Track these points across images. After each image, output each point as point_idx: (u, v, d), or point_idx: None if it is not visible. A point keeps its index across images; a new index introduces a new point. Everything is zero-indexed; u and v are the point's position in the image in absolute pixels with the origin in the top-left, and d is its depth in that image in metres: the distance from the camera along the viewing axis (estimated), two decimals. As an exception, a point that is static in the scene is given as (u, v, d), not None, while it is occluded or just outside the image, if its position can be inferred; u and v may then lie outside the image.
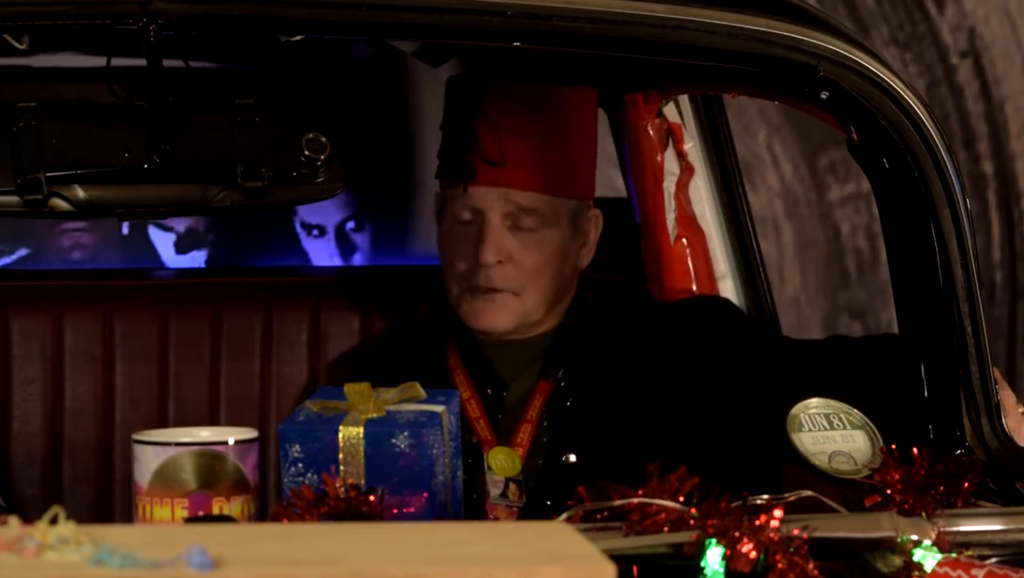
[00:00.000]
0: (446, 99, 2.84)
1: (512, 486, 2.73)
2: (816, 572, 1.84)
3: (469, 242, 2.73)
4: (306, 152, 2.35)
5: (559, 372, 2.75)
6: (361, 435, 2.12)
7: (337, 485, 1.96)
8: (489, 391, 2.77)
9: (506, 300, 2.73)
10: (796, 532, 1.85)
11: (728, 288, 3.05)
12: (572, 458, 2.71)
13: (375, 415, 2.15)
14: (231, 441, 2.09)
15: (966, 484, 2.04)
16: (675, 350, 2.75)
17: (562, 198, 2.75)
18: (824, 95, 2.19)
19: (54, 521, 1.45)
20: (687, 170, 3.03)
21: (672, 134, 3.02)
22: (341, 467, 2.11)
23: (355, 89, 3.50)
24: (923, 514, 1.99)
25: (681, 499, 1.88)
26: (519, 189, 2.71)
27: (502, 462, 2.72)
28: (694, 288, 3.02)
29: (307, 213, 3.55)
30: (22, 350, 3.12)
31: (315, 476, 2.10)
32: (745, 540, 1.82)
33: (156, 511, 2.06)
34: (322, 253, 3.57)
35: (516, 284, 2.72)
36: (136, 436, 2.12)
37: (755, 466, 2.58)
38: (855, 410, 2.17)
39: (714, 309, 2.85)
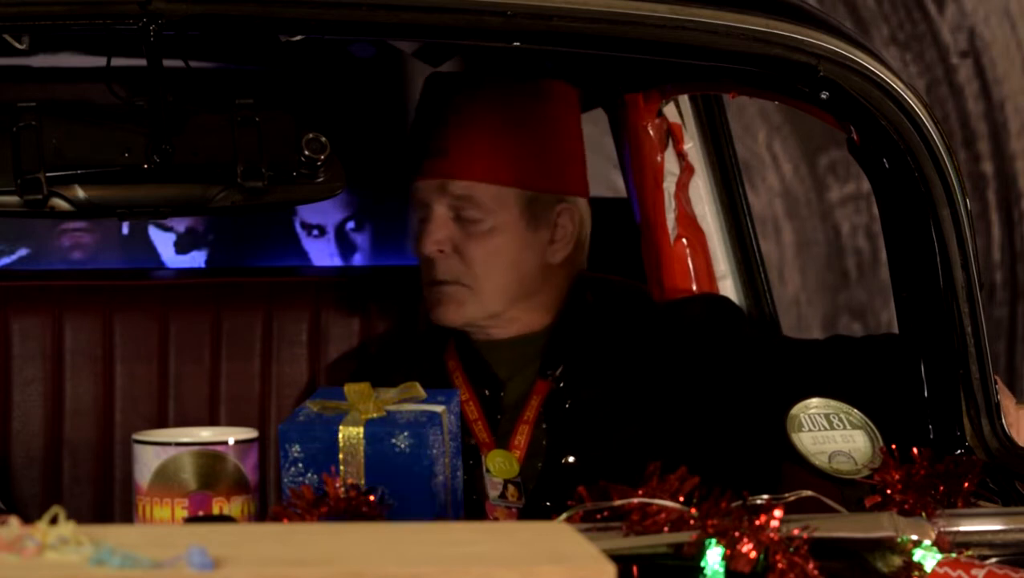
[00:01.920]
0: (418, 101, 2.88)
1: (511, 488, 2.73)
2: (816, 572, 1.84)
3: (420, 237, 2.77)
4: (306, 152, 2.35)
5: (556, 372, 2.75)
6: (361, 435, 2.12)
7: (337, 485, 1.96)
8: (486, 392, 2.77)
9: (456, 292, 2.74)
10: (796, 532, 1.85)
11: (728, 288, 3.05)
12: (571, 460, 2.71)
13: (375, 415, 2.15)
14: (231, 441, 2.09)
15: (966, 484, 2.04)
16: (674, 350, 2.75)
17: (509, 188, 2.75)
18: (824, 95, 2.19)
19: (54, 521, 1.45)
20: (687, 170, 3.03)
21: (672, 134, 3.02)
22: (341, 467, 2.11)
23: (355, 89, 3.50)
24: (923, 514, 1.99)
25: (681, 499, 1.88)
26: (454, 178, 2.74)
27: (500, 465, 2.72)
28: (694, 288, 3.02)
29: (307, 213, 3.55)
30: (22, 350, 3.12)
31: (315, 476, 2.10)
32: (745, 540, 1.82)
33: (156, 511, 2.06)
34: (322, 253, 3.56)
35: (465, 276, 2.74)
36: (136, 436, 2.12)
37: (755, 466, 2.58)
38: (855, 410, 2.17)
39: (713, 308, 2.85)
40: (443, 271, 2.74)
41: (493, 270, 2.74)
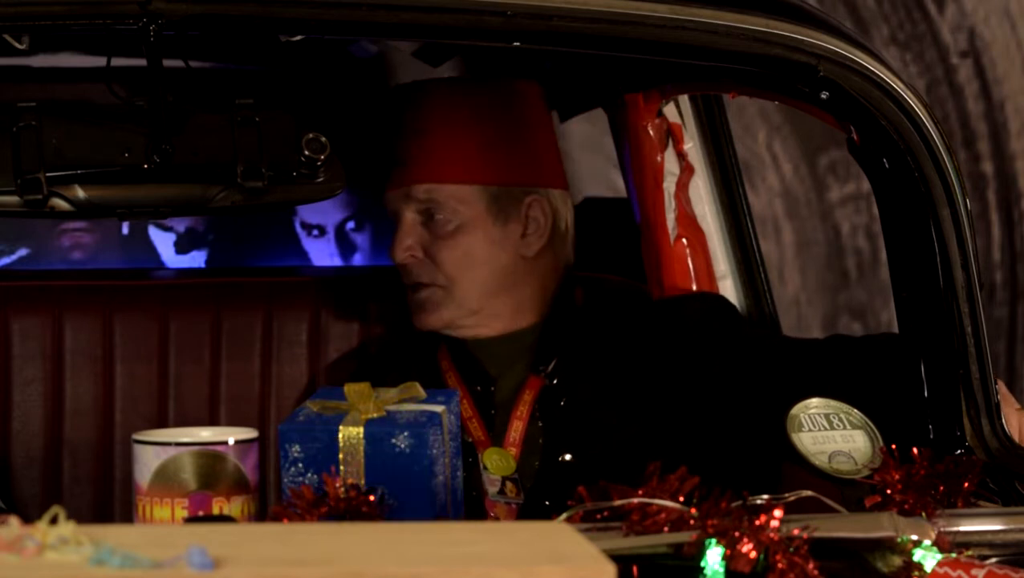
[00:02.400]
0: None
1: (509, 484, 2.73)
2: (816, 572, 1.83)
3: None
4: (306, 152, 2.35)
5: (548, 367, 2.76)
6: (361, 435, 2.12)
7: (337, 485, 1.96)
8: (478, 388, 2.78)
9: (432, 295, 2.78)
10: (796, 532, 1.85)
11: (728, 288, 3.05)
12: (568, 457, 2.72)
13: (375, 415, 2.15)
14: (231, 441, 2.09)
15: (966, 484, 2.04)
16: (671, 348, 2.75)
17: (471, 185, 2.77)
18: (824, 95, 2.19)
19: (54, 521, 1.45)
20: (687, 170, 3.03)
21: (672, 134, 3.02)
22: (341, 467, 2.11)
23: (355, 89, 3.50)
24: (923, 514, 1.99)
25: (681, 499, 1.88)
26: (416, 184, 2.79)
27: (496, 462, 2.73)
28: (694, 288, 3.02)
29: (307, 213, 3.55)
30: (22, 350, 3.12)
31: (315, 476, 2.10)
32: (745, 540, 1.82)
33: (156, 511, 2.06)
34: (322, 253, 3.56)
35: (438, 277, 2.77)
36: (136, 436, 2.12)
37: (755, 466, 2.58)
38: (855, 410, 2.17)
39: (709, 306, 2.85)
40: (417, 275, 2.79)
41: (465, 269, 2.77)
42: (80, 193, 2.31)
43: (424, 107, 2.83)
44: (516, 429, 2.73)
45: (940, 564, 1.92)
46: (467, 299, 2.77)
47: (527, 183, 2.81)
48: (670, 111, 3.02)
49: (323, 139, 2.36)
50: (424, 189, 2.78)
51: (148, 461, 2.07)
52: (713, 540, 1.83)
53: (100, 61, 2.53)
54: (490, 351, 2.80)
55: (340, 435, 2.12)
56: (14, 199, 2.29)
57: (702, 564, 1.82)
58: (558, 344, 2.78)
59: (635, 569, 1.85)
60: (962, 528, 2.01)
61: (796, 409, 2.16)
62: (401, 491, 2.10)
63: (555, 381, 2.75)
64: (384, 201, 2.85)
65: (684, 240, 3.03)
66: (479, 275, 2.77)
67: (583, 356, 2.77)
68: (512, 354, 2.79)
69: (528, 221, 2.80)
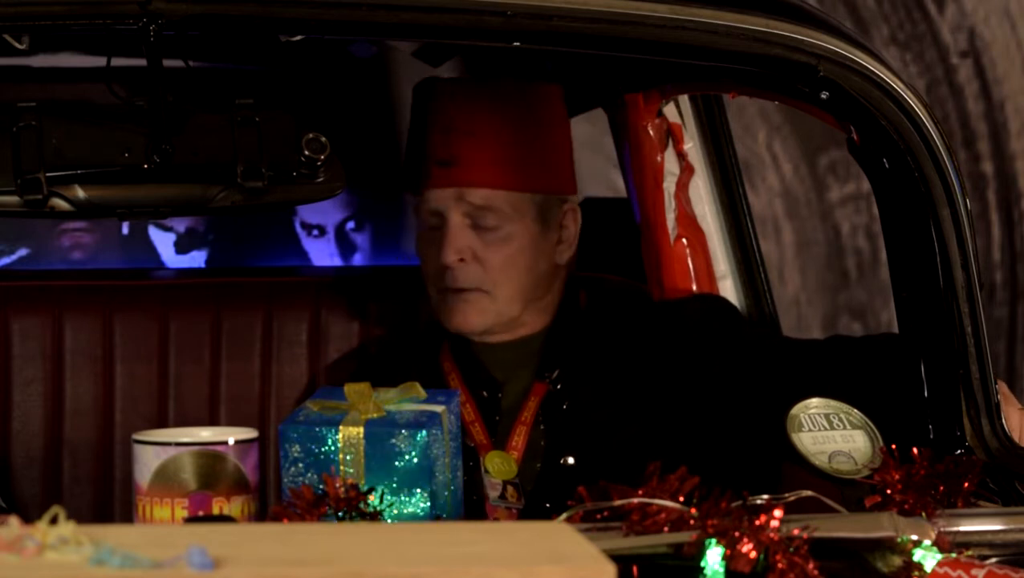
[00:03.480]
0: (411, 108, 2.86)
1: (510, 489, 2.73)
2: (816, 572, 1.84)
3: (435, 245, 2.75)
4: (306, 152, 2.35)
5: (553, 373, 2.75)
6: (361, 435, 2.12)
7: (337, 485, 1.96)
8: (484, 394, 2.77)
9: (478, 299, 2.74)
10: (796, 532, 1.85)
11: (728, 288, 3.05)
12: (570, 461, 2.71)
13: (375, 415, 2.15)
14: (231, 441, 2.09)
15: (966, 484, 2.04)
16: (672, 349, 2.75)
17: (524, 193, 2.75)
18: (824, 95, 2.19)
19: (54, 521, 1.45)
20: (687, 170, 3.03)
21: (672, 134, 3.02)
22: (341, 467, 2.11)
23: (355, 89, 3.50)
24: (923, 514, 1.99)
25: (681, 499, 1.88)
26: (472, 187, 2.73)
27: (498, 466, 2.72)
28: (694, 288, 3.02)
29: (307, 213, 3.55)
30: (22, 350, 3.12)
31: (315, 476, 2.10)
32: (745, 540, 1.82)
33: (156, 511, 2.06)
34: (322, 253, 3.57)
35: (485, 282, 2.73)
36: (136, 436, 2.12)
37: (755, 466, 2.58)
38: (855, 410, 2.17)
39: (710, 308, 2.85)
40: (463, 279, 2.73)
41: (511, 275, 2.74)
42: (80, 193, 2.31)
43: (468, 107, 2.77)
44: (520, 434, 2.73)
45: (940, 564, 1.92)
46: (508, 306, 2.74)
47: (564, 191, 2.81)
48: (670, 111, 3.02)
49: (323, 139, 2.36)
50: (482, 194, 2.72)
51: (148, 461, 2.07)
52: (713, 540, 1.83)
53: (100, 61, 2.53)
54: (496, 356, 2.79)
55: (340, 435, 2.12)
56: (14, 199, 2.29)
57: (702, 564, 1.82)
58: (563, 350, 2.78)
59: (635, 569, 1.85)
60: (962, 528, 2.01)
61: (796, 409, 2.16)
62: (401, 491, 2.11)
63: (558, 386, 2.75)
64: (421, 199, 2.77)
65: (684, 240, 3.03)
66: (523, 282, 2.75)
67: (586, 360, 2.77)
68: (519, 360, 2.78)
69: (563, 229, 2.80)
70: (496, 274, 2.73)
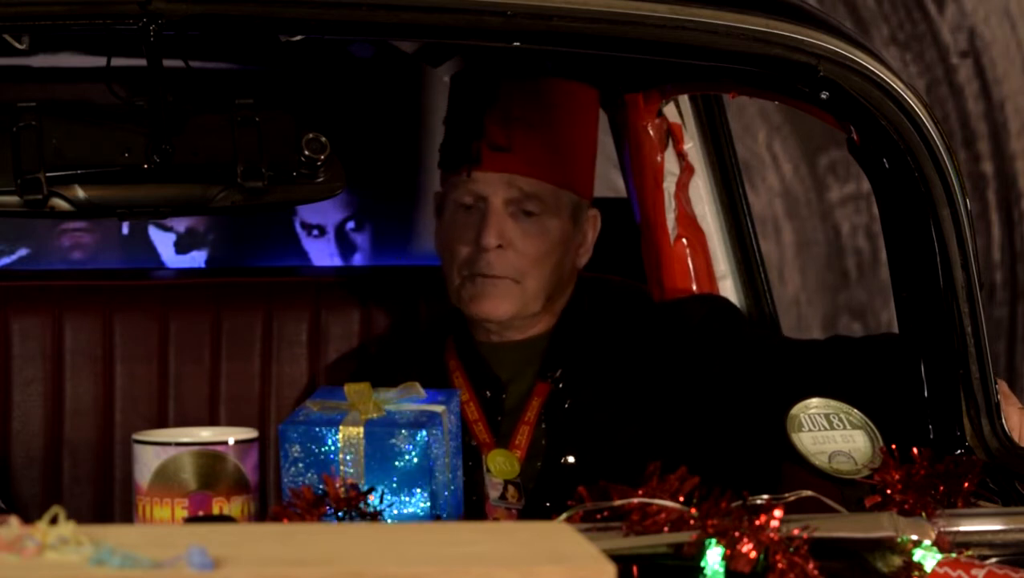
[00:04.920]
0: (451, 94, 2.85)
1: (511, 488, 2.73)
2: (816, 572, 1.84)
3: (471, 229, 2.73)
4: (306, 152, 2.35)
5: (556, 373, 2.75)
6: (361, 435, 2.13)
7: (337, 485, 1.96)
8: (488, 393, 2.77)
9: (507, 287, 2.73)
10: (796, 532, 1.85)
11: (728, 288, 3.05)
12: (571, 460, 2.72)
13: (375, 415, 2.15)
14: (231, 441, 2.09)
15: (966, 484, 2.04)
16: (673, 350, 2.75)
17: (565, 190, 2.76)
18: (824, 95, 2.19)
19: (54, 521, 1.45)
20: (687, 170, 3.03)
21: (672, 134, 3.02)
22: (341, 467, 2.11)
23: (355, 89, 3.50)
24: (923, 514, 1.99)
25: (681, 499, 1.88)
26: (524, 175, 2.72)
27: (500, 465, 2.73)
28: (694, 288, 3.02)
29: (307, 213, 3.55)
30: (22, 350, 3.12)
31: (315, 476, 2.10)
32: (745, 540, 1.82)
33: (156, 511, 2.06)
34: (322, 253, 3.57)
35: (516, 271, 2.72)
36: (136, 436, 2.12)
37: (755, 466, 2.58)
38: (855, 410, 2.17)
39: (711, 308, 2.85)
40: (499, 266, 2.72)
41: (543, 268, 2.74)
42: (80, 193, 2.31)
43: (525, 98, 2.77)
44: (523, 433, 2.73)
45: (940, 564, 1.92)
46: (533, 299, 2.74)
47: (589, 196, 2.82)
48: (670, 111, 3.02)
49: (323, 139, 2.36)
50: (531, 182, 2.72)
51: (148, 461, 2.07)
52: (713, 540, 1.83)
53: (100, 61, 2.52)
54: (502, 356, 2.79)
55: (340, 435, 2.12)
56: (14, 199, 2.29)
57: (702, 564, 1.82)
58: (568, 350, 2.78)
59: (635, 569, 1.85)
60: (962, 528, 2.01)
61: (796, 409, 2.16)
62: (401, 491, 2.11)
63: (560, 385, 2.75)
64: (470, 181, 2.73)
65: (684, 240, 3.03)
66: (550, 278, 2.75)
67: (588, 360, 2.77)
68: (524, 360, 2.78)
69: (585, 234, 2.81)
70: (529, 265, 2.72)
